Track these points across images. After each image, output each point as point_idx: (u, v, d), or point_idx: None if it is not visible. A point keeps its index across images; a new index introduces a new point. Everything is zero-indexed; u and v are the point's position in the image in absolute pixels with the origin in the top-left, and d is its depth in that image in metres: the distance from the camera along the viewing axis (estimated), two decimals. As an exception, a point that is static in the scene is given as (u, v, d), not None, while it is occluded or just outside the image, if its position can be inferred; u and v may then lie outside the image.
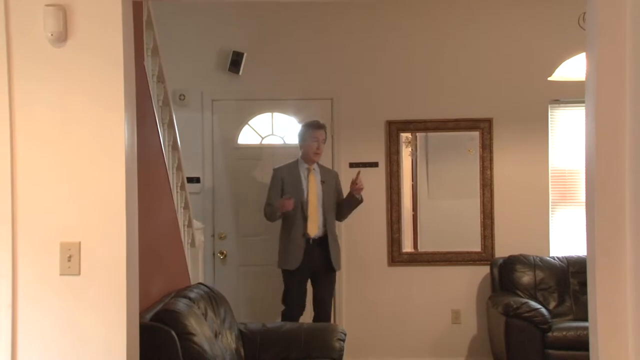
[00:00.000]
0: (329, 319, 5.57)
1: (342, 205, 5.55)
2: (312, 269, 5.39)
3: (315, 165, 5.50)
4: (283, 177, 5.45)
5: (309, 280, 5.46)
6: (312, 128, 5.46)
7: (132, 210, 2.63)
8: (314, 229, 5.37)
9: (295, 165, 5.51)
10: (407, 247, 6.24)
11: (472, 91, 6.13)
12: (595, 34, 2.41)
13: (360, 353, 5.49)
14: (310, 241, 5.35)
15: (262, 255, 6.15)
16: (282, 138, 6.30)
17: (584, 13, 2.72)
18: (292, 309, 5.37)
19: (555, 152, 6.18)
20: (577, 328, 5.24)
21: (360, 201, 5.48)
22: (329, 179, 5.53)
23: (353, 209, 5.56)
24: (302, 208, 5.35)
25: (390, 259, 6.13)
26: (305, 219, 5.35)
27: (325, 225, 5.40)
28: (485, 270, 6.07)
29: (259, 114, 6.28)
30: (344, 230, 5.99)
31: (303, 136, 5.50)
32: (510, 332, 5.28)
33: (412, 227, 6.30)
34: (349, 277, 6.14)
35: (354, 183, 5.38)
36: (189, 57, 6.13)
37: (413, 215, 6.29)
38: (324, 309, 5.49)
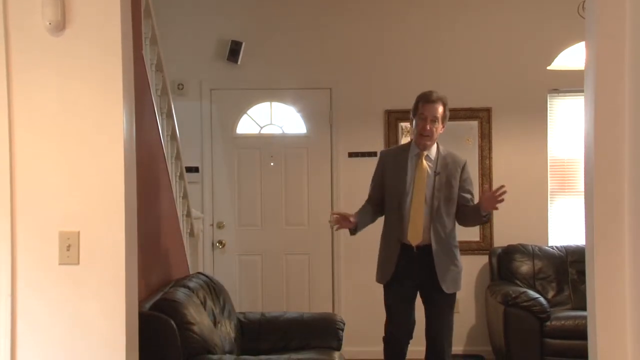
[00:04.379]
0: (442, 356, 4.19)
1: (466, 213, 4.22)
2: (418, 284, 4.22)
3: (432, 150, 4.20)
4: (386, 162, 4.29)
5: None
6: (421, 101, 4.16)
7: (131, 200, 2.63)
8: (415, 235, 4.12)
9: (406, 149, 4.28)
10: (406, 236, 6.23)
11: (471, 80, 6.12)
12: (595, 22, 2.40)
13: (359, 342, 5.47)
14: (415, 249, 4.15)
15: (261, 244, 6.17)
16: (281, 127, 6.29)
17: (584, 1, 2.72)
18: (389, 332, 4.27)
19: (554, 142, 6.18)
20: (575, 317, 5.25)
21: (485, 220, 4.25)
22: (449, 170, 4.18)
23: (474, 224, 4.47)
24: (399, 206, 4.17)
25: (389, 249, 6.11)
26: (401, 220, 4.16)
27: (431, 230, 4.13)
28: (484, 259, 6.08)
29: (258, 103, 6.27)
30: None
31: (412, 112, 4.24)
32: (509, 321, 5.29)
33: (411, 217, 6.29)
34: (348, 266, 6.15)
35: (489, 194, 3.99)
36: (187, 46, 6.11)
37: (412, 204, 6.27)
38: (432, 342, 4.20)
